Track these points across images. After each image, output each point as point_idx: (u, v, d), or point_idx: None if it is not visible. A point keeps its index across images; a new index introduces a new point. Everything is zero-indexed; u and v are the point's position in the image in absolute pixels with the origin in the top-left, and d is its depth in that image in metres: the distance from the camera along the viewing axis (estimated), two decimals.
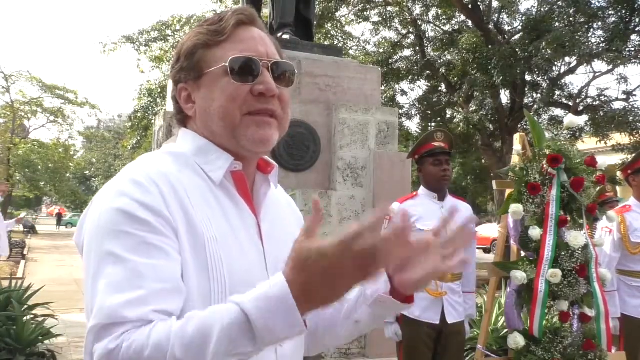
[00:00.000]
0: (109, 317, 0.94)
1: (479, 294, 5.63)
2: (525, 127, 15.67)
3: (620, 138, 16.39)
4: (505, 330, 4.56)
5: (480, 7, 16.98)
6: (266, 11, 7.42)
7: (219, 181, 1.15)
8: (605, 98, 16.98)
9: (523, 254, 3.02)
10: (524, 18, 16.38)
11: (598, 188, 3.11)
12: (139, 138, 21.43)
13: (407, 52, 19.44)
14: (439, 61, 18.44)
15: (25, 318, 5.72)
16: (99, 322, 0.95)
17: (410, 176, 6.27)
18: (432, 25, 19.26)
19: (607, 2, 15.27)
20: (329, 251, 0.86)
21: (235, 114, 1.14)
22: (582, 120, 15.11)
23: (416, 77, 19.13)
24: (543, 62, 14.64)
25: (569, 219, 2.94)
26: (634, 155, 4.62)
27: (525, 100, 17.24)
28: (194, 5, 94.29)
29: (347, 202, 5.85)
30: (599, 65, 16.35)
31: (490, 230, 22.23)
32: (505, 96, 17.67)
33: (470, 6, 16.53)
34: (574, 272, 2.81)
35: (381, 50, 18.83)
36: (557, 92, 16.87)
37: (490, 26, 17.05)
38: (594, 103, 17.00)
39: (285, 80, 1.19)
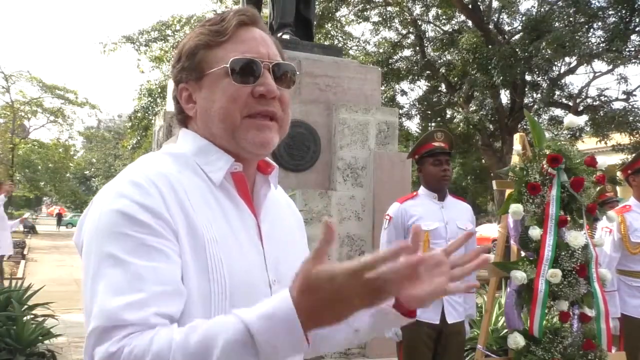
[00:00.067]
0: (110, 320, 0.94)
1: (479, 294, 5.63)
2: (525, 127, 15.67)
3: (620, 138, 16.39)
4: (505, 330, 4.56)
5: (480, 7, 16.98)
6: (266, 11, 7.42)
7: (219, 182, 1.14)
8: (605, 98, 16.99)
9: (523, 254, 3.02)
10: (524, 18, 16.39)
11: (598, 188, 3.10)
12: (139, 138, 21.44)
13: (407, 52, 19.46)
14: (439, 61, 18.45)
15: (25, 318, 5.71)
16: (99, 324, 0.94)
17: (410, 176, 6.26)
18: (432, 25, 19.27)
19: (607, 2, 15.27)
20: (339, 278, 0.85)
21: (235, 116, 1.13)
22: (582, 120, 15.12)
23: (416, 77, 19.14)
24: (543, 62, 14.65)
25: (569, 219, 2.94)
26: (634, 155, 4.61)
27: (525, 100, 17.24)
28: (194, 5, 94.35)
29: (347, 202, 5.85)
30: (599, 65, 16.38)
31: (490, 230, 22.22)
32: (505, 96, 17.69)
33: (470, 6, 16.53)
34: (574, 272, 2.81)
35: (381, 50, 18.83)
36: (557, 92, 16.87)
37: (490, 26, 17.05)
38: (594, 103, 17.01)
39: (286, 81, 1.19)
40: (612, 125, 15.41)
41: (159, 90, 19.62)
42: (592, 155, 3.02)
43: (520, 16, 16.86)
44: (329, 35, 19.13)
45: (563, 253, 2.82)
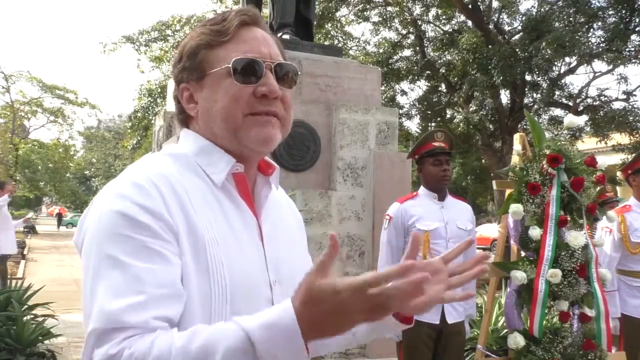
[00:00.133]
0: (110, 322, 0.94)
1: (479, 294, 5.63)
2: (525, 127, 15.67)
3: (620, 138, 16.39)
4: (505, 330, 4.56)
5: (480, 7, 16.98)
6: (266, 11, 7.42)
7: (220, 183, 1.14)
8: (605, 98, 16.99)
9: (523, 254, 3.02)
10: (524, 18, 16.39)
11: (598, 188, 3.10)
12: (139, 138, 21.45)
13: (407, 52, 19.46)
14: (439, 61, 18.44)
15: (25, 318, 5.71)
16: (98, 326, 0.94)
17: (410, 176, 6.26)
18: (432, 25, 19.27)
19: (607, 2, 15.28)
20: (343, 293, 0.86)
21: (237, 115, 1.13)
22: (582, 120, 15.11)
23: (416, 77, 19.14)
24: (543, 62, 14.64)
25: (569, 219, 2.94)
26: (634, 155, 4.61)
27: (525, 100, 17.25)
28: (194, 5, 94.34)
29: (347, 202, 5.85)
30: (599, 65, 16.38)
31: (490, 230, 22.22)
32: (505, 96, 17.69)
33: (470, 6, 16.53)
34: (574, 272, 2.81)
35: (381, 50, 18.83)
36: (557, 92, 16.87)
37: (490, 26, 17.05)
38: (594, 103, 17.01)
39: (288, 81, 1.19)
40: (612, 125, 15.41)
41: (159, 90, 19.62)
42: (592, 155, 3.02)
43: (520, 16, 16.87)
44: (329, 35, 19.12)
45: (563, 253, 2.82)
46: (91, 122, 52.22)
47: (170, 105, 4.80)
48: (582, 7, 14.74)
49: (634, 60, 15.40)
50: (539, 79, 16.58)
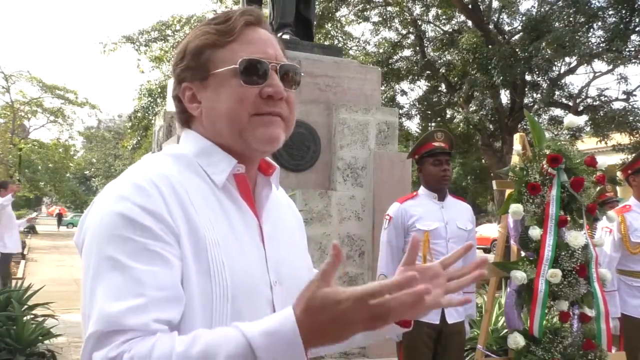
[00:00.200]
0: (110, 325, 0.93)
1: (479, 294, 5.63)
2: (525, 127, 15.67)
3: (620, 138, 16.40)
4: (505, 330, 4.56)
5: (480, 7, 16.98)
6: (266, 11, 7.42)
7: (221, 184, 1.14)
8: (605, 98, 17.00)
9: (523, 254, 3.02)
10: (524, 18, 16.39)
11: (598, 188, 3.10)
12: (139, 138, 21.45)
13: (407, 52, 19.46)
14: (439, 61, 18.45)
15: (25, 318, 5.71)
16: (98, 328, 0.94)
17: (410, 176, 6.26)
18: (432, 25, 19.27)
19: (607, 2, 15.28)
20: (344, 303, 0.87)
21: (242, 116, 1.13)
22: (582, 120, 15.12)
23: (416, 77, 19.14)
24: (543, 62, 14.64)
25: (569, 219, 2.94)
26: (634, 155, 4.61)
27: (525, 100, 17.25)
28: (194, 5, 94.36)
29: (347, 202, 5.85)
30: (599, 65, 16.39)
31: (490, 230, 22.23)
32: (505, 96, 17.69)
33: (470, 6, 16.53)
34: (574, 272, 2.81)
35: (381, 51, 18.84)
36: (557, 92, 16.87)
37: (490, 26, 17.06)
38: (594, 103, 17.01)
39: (291, 82, 1.19)
40: (612, 125, 15.41)
41: (159, 90, 19.62)
42: (592, 155, 3.02)
43: (520, 16, 16.87)
44: (329, 35, 19.13)
45: (563, 253, 2.82)
46: (91, 122, 52.30)
47: (170, 105, 4.79)
48: (582, 7, 14.74)
49: (634, 60, 15.40)
50: (539, 79, 16.58)
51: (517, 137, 3.21)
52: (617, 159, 15.41)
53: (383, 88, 16.98)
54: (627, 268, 4.11)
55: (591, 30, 15.79)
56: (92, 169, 50.04)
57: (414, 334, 3.48)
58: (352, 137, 5.99)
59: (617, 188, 6.82)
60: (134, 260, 0.98)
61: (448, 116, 20.00)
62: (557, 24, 15.20)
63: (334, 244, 0.91)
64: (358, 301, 0.86)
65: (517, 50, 15.28)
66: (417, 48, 18.71)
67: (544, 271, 2.80)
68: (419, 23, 18.84)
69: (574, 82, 27.02)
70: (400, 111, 18.04)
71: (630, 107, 15.93)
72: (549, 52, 14.66)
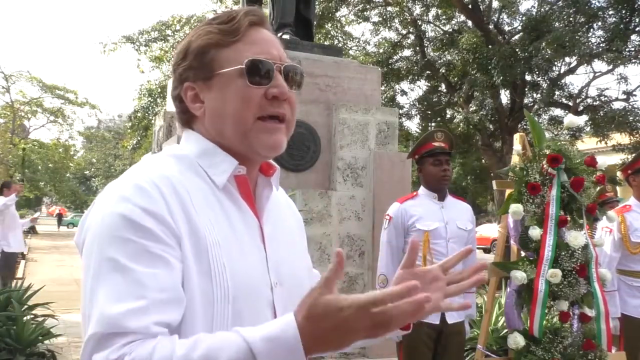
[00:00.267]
0: (110, 327, 0.93)
1: (479, 294, 5.63)
2: (525, 127, 15.68)
3: (620, 138, 16.41)
4: (505, 330, 4.56)
5: (480, 7, 16.99)
6: (266, 11, 7.42)
7: (222, 185, 1.14)
8: (605, 98, 17.02)
9: (523, 254, 3.02)
10: (524, 18, 16.41)
11: (598, 188, 3.10)
12: (139, 138, 21.46)
13: (407, 52, 19.48)
14: (439, 61, 18.46)
15: (25, 318, 5.71)
16: (98, 330, 0.94)
17: (410, 176, 6.26)
18: (432, 25, 19.29)
19: (607, 2, 15.29)
20: (347, 310, 0.87)
21: (248, 117, 1.13)
22: (582, 120, 15.12)
23: (416, 77, 19.15)
24: (543, 62, 14.65)
25: (569, 219, 2.94)
26: (634, 155, 4.61)
27: (525, 100, 17.26)
28: (194, 5, 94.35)
29: (347, 202, 5.85)
30: (599, 65, 16.41)
31: (490, 230, 22.23)
32: (505, 96, 17.71)
33: (470, 6, 16.54)
34: (574, 272, 2.81)
35: (381, 51, 18.85)
36: (557, 92, 16.89)
37: (490, 26, 17.07)
38: (594, 103, 17.03)
39: (294, 83, 1.19)
40: (612, 125, 15.42)
41: (159, 90, 19.63)
42: (592, 155, 3.02)
43: (520, 16, 16.89)
44: (329, 35, 19.14)
45: (563, 253, 2.82)
46: (91, 122, 52.32)
47: (170, 105, 4.78)
48: (582, 7, 14.75)
49: (634, 60, 15.41)
50: (539, 79, 16.60)
51: (517, 137, 3.21)
52: (617, 159, 15.42)
53: (383, 88, 16.98)
54: (627, 268, 4.11)
55: (591, 30, 15.80)
56: (92, 169, 50.07)
57: (414, 334, 3.46)
58: (352, 137, 5.99)
59: (617, 188, 6.82)
60: (134, 261, 0.98)
61: (448, 116, 20.02)
62: (557, 24, 15.22)
63: (337, 251, 0.91)
64: (360, 309, 0.87)
65: (517, 50, 15.29)
66: (417, 48, 18.72)
67: (544, 271, 2.79)
68: (419, 23, 18.85)
69: (574, 82, 27.09)
70: (400, 111, 18.05)
71: (630, 107, 15.95)
72: (549, 52, 14.67)
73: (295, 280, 1.20)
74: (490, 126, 17.90)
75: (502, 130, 16.90)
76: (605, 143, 15.92)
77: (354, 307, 0.87)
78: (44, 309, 6.27)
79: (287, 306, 1.14)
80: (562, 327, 2.91)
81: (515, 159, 3.13)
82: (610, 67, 15.68)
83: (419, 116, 19.99)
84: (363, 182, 5.94)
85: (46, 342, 5.85)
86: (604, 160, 3.04)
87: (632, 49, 15.60)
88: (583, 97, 17.21)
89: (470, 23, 17.17)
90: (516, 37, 17.02)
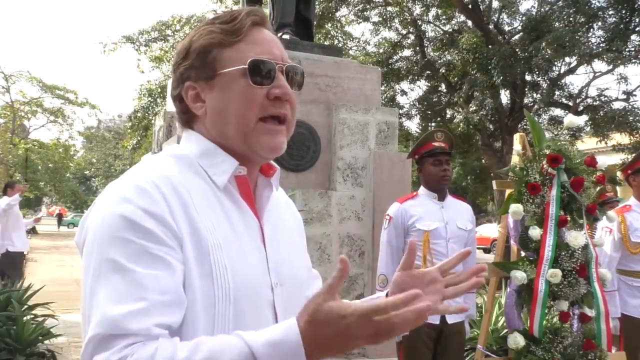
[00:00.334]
0: (111, 328, 0.93)
1: (479, 294, 5.63)
2: (525, 127, 15.68)
3: (620, 138, 16.41)
4: (505, 330, 4.56)
5: (480, 7, 16.99)
6: (266, 11, 7.42)
7: (223, 185, 1.13)
8: (605, 98, 17.02)
9: (523, 254, 3.02)
10: (524, 18, 16.41)
11: (598, 188, 3.10)
12: (139, 138, 21.47)
13: (407, 52, 19.48)
14: (439, 61, 18.46)
15: (25, 318, 5.71)
16: (99, 332, 0.94)
17: (410, 176, 6.26)
18: (432, 25, 19.29)
19: (607, 2, 15.29)
20: (349, 318, 0.88)
21: (250, 117, 1.13)
22: (582, 120, 15.13)
23: (416, 77, 19.15)
24: (543, 62, 14.65)
25: (569, 219, 2.94)
26: (634, 155, 4.61)
27: (525, 100, 17.26)
28: (194, 5, 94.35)
29: (347, 202, 5.85)
30: (599, 65, 16.41)
31: (490, 230, 22.23)
32: (505, 96, 17.71)
33: (470, 6, 16.54)
34: (574, 272, 2.81)
35: (381, 51, 18.85)
36: (557, 92, 16.89)
37: (490, 26, 17.07)
38: (594, 103, 17.03)
39: (295, 83, 1.19)
40: (612, 125, 15.42)
41: (159, 90, 19.63)
42: (592, 155, 3.02)
43: (520, 16, 16.89)
44: (329, 35, 19.14)
45: (563, 253, 2.82)
46: (91, 122, 52.35)
47: (170, 105, 4.78)
48: (582, 7, 14.75)
49: (634, 60, 15.41)
50: (539, 79, 16.59)
51: (517, 137, 3.21)
52: (617, 159, 15.42)
53: (383, 88, 16.98)
54: (627, 268, 4.11)
55: (591, 30, 15.80)
56: (92, 169, 50.07)
57: (413, 334, 3.48)
58: (352, 137, 5.99)
59: (617, 188, 6.82)
60: (134, 263, 0.98)
61: (448, 116, 20.02)
62: (557, 24, 15.22)
63: (341, 258, 0.92)
64: (363, 317, 0.87)
65: (517, 50, 15.29)
66: (417, 48, 18.72)
67: (544, 271, 2.79)
68: (419, 23, 18.85)
69: (574, 82, 27.10)
70: (400, 111, 18.05)
71: (630, 107, 15.95)
72: (549, 52, 14.67)
73: (295, 281, 1.20)
74: (490, 126, 17.90)
75: (502, 130, 16.91)
76: (605, 143, 15.92)
77: (357, 314, 0.87)
78: (44, 309, 6.27)
79: (287, 306, 1.14)
80: (562, 327, 2.91)
81: (515, 159, 3.13)
82: (610, 67, 15.68)
83: (419, 116, 20.00)
84: (363, 182, 5.94)
85: (46, 342, 5.84)
86: (604, 160, 3.04)
87: (632, 49, 15.60)
88: (583, 97, 17.21)
89: (470, 23, 17.17)
90: (516, 37, 17.02)
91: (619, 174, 4.37)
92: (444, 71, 18.18)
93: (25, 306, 6.02)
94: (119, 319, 0.93)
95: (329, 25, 18.85)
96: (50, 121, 37.39)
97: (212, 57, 1.15)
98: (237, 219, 1.13)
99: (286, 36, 6.15)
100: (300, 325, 0.90)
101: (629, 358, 3.29)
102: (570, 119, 3.32)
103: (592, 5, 15.19)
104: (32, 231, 31.09)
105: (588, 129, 16.51)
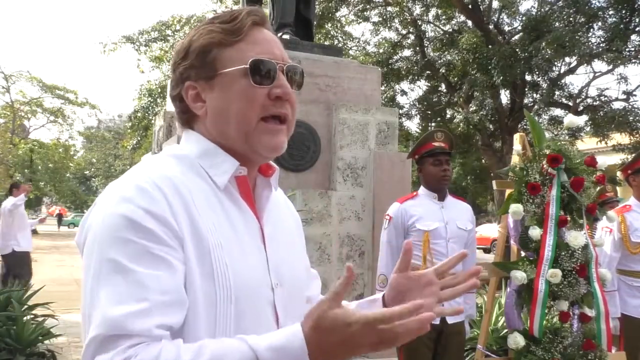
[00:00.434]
0: (113, 329, 0.93)
1: (479, 294, 5.63)
2: (525, 127, 15.68)
3: (620, 138, 16.40)
4: (505, 330, 4.56)
5: (480, 7, 16.99)
6: (266, 11, 7.42)
7: (223, 186, 1.13)
8: (605, 98, 17.01)
9: (523, 254, 3.02)
10: (524, 18, 16.41)
11: (598, 188, 3.10)
12: (139, 138, 21.47)
13: (407, 52, 19.47)
14: (439, 61, 18.44)
15: (25, 318, 5.71)
16: (101, 332, 0.93)
17: (410, 176, 6.26)
18: (432, 25, 19.29)
19: (607, 2, 15.28)
20: (354, 326, 0.89)
21: (252, 117, 1.13)
22: (582, 120, 15.12)
23: (416, 77, 19.15)
24: (543, 62, 14.65)
25: (569, 219, 2.94)
26: (634, 155, 4.61)
27: (525, 100, 17.26)
28: (194, 5, 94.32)
29: (347, 202, 5.85)
30: (599, 65, 16.40)
31: (490, 230, 22.23)
32: (505, 96, 17.70)
33: (470, 6, 16.54)
34: (574, 272, 2.81)
35: (381, 51, 18.85)
36: (557, 92, 16.88)
37: (490, 26, 17.06)
38: (594, 103, 17.02)
39: (295, 83, 1.20)
40: (612, 125, 15.42)
41: (159, 90, 19.63)
42: (592, 155, 3.02)
43: (520, 16, 16.89)
44: (329, 35, 19.13)
45: (563, 253, 2.82)
46: (91, 122, 52.34)
47: (170, 105, 4.78)
48: (582, 7, 14.75)
49: (634, 60, 15.41)
50: (539, 79, 16.59)
51: (517, 137, 3.21)
52: (617, 159, 15.41)
53: (383, 88, 16.98)
54: (627, 268, 4.12)
55: (591, 30, 15.80)
56: (92, 169, 50.05)
57: None
58: (352, 137, 5.99)
59: (617, 188, 6.82)
60: (135, 263, 0.97)
61: (448, 116, 20.01)
62: (557, 24, 15.22)
63: (348, 267, 0.93)
64: (367, 325, 0.88)
65: (517, 50, 15.28)
66: (417, 48, 18.71)
67: (544, 271, 2.79)
68: (419, 23, 18.84)
69: (574, 82, 27.11)
70: (400, 111, 18.05)
71: (630, 107, 15.94)
72: (549, 52, 14.67)
73: (295, 281, 1.20)
74: (490, 126, 17.89)
75: (502, 130, 16.90)
76: (605, 143, 15.92)
77: (361, 322, 0.88)
78: (44, 309, 6.27)
79: (287, 307, 1.14)
80: (562, 327, 2.91)
81: (515, 159, 3.13)
82: (610, 67, 15.68)
83: (419, 116, 19.99)
84: (363, 182, 5.94)
85: (46, 342, 5.84)
86: (604, 160, 3.04)
87: (632, 49, 15.59)
88: (583, 97, 17.21)
89: (470, 23, 17.17)
90: (516, 37, 17.02)
91: (619, 174, 4.37)
92: (444, 71, 18.17)
93: (25, 306, 6.02)
94: (120, 319, 0.93)
95: (329, 25, 18.84)
96: (50, 121, 37.43)
97: (212, 56, 1.15)
98: (237, 219, 1.13)
99: (286, 36, 6.15)
100: (304, 331, 0.91)
101: (629, 358, 3.30)
102: (570, 119, 3.32)
103: (592, 5, 15.18)
104: (32, 231, 31.09)
105: (588, 129, 16.50)
